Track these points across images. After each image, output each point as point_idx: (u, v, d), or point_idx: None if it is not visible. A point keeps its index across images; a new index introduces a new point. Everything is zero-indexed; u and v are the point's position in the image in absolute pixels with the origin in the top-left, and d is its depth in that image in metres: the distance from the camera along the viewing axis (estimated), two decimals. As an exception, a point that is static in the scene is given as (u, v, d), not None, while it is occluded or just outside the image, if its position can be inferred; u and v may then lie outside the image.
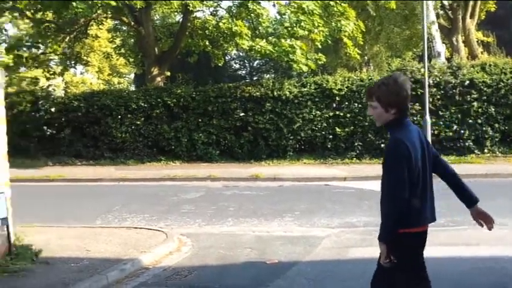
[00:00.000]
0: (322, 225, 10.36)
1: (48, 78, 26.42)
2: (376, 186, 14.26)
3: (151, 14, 25.56)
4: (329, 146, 20.23)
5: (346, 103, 20.18)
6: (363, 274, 7.20)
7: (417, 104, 19.37)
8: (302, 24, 20.59)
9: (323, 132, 20.18)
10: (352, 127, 20.00)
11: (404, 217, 4.01)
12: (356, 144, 19.99)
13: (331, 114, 20.11)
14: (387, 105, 4.09)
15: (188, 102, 21.13)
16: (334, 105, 20.22)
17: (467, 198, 4.43)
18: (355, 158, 19.86)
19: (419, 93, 19.25)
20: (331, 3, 20.98)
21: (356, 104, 20.01)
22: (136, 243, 8.79)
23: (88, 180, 17.38)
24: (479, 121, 19.44)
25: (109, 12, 23.72)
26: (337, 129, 19.94)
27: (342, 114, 20.08)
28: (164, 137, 21.15)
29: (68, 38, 25.31)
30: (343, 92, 20.13)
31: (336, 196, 13.54)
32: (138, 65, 28.90)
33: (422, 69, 19.33)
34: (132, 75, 41.62)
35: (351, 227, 10.09)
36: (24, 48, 25.90)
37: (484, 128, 19.43)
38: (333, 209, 11.82)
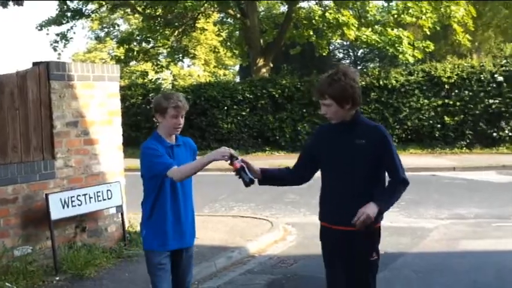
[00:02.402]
0: (430, 216, 10.11)
1: (156, 72, 27.32)
2: (488, 176, 13.77)
3: (256, 5, 25.80)
4: (437, 136, 19.67)
5: (456, 91, 19.53)
6: (475, 267, 6.99)
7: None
8: (410, 11, 20.14)
9: (431, 121, 19.65)
10: (462, 116, 19.33)
11: None
12: (466, 133, 19.30)
13: (439, 102, 19.53)
14: (343, 101, 3.89)
15: (293, 92, 21.18)
16: (443, 93, 19.62)
17: None
18: (465, 148, 19.21)
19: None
20: (441, -12, 20.40)
21: (466, 92, 19.31)
22: (242, 232, 8.95)
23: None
24: None
25: (216, 6, 24.16)
26: (446, 118, 19.34)
27: (451, 102, 19.46)
28: (269, 128, 21.33)
29: (176, 32, 26.03)
30: (453, 80, 19.48)
31: (444, 187, 13.16)
32: (244, 57, 29.26)
33: (538, 54, 18.38)
34: (237, 67, 42.21)
35: (460, 218, 9.77)
36: (135, 43, 26.96)
37: None
38: (441, 200, 11.49)
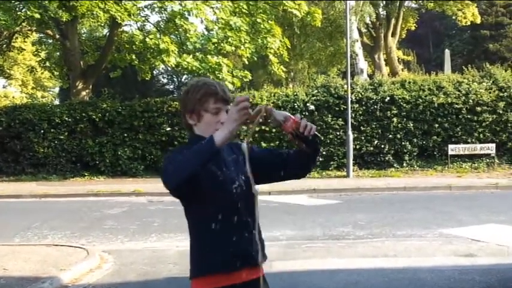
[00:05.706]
0: (245, 239, 10.37)
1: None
2: (300, 200, 14.42)
3: (77, 27, 25.19)
4: (254, 161, 20.34)
5: (273, 118, 20.38)
6: (284, 287, 7.33)
7: (340, 119, 19.90)
8: (229, 40, 20.77)
9: (248, 147, 20.28)
10: (277, 142, 20.23)
11: None
12: (280, 159, 20.20)
13: (256, 129, 20.18)
14: None
15: (114, 116, 20.92)
16: (261, 120, 20.35)
17: None
18: (280, 173, 20.06)
19: (342, 108, 19.80)
20: (258, 20, 21.27)
21: (282, 119, 20.26)
22: (56, 261, 8.60)
23: (7, 196, 16.83)
24: (399, 136, 20.09)
25: (34, 25, 23.22)
26: (263, 144, 20.10)
27: (267, 129, 20.28)
28: (88, 152, 20.85)
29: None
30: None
31: (260, 210, 13.58)
32: (64, 78, 28.37)
33: (345, 86, 19.84)
34: (57, 89, 40.77)
35: (274, 240, 10.18)
36: None
37: (403, 143, 20.09)
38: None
